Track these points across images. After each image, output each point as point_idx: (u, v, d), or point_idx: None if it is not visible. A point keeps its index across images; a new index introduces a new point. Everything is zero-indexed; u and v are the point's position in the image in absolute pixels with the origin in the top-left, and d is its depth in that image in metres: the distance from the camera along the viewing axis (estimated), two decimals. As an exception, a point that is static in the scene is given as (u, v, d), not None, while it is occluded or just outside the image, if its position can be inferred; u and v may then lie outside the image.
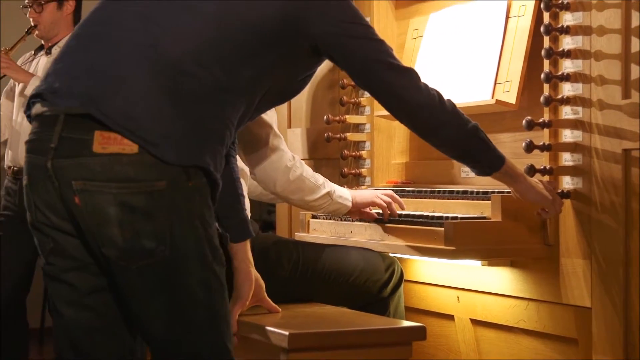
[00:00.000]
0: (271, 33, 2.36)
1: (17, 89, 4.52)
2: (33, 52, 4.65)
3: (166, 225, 2.21)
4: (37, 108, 2.28)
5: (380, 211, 3.11)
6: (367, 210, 3.13)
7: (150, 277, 2.24)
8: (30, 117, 2.32)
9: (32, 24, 4.50)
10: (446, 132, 2.60)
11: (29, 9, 4.49)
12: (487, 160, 2.65)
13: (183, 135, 2.22)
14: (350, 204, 3.10)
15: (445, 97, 2.61)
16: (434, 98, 2.57)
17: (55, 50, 4.52)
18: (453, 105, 2.61)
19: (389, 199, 3.10)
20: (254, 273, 2.81)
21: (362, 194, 3.14)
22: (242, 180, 2.82)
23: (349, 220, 3.22)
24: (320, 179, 3.08)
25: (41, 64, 4.55)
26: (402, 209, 3.12)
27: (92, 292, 2.34)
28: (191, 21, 2.30)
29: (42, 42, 4.62)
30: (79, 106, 2.19)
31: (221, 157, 2.33)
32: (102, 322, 2.35)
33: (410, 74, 2.57)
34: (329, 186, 3.09)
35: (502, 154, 2.67)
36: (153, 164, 2.19)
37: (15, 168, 4.47)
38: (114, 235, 2.20)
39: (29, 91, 4.37)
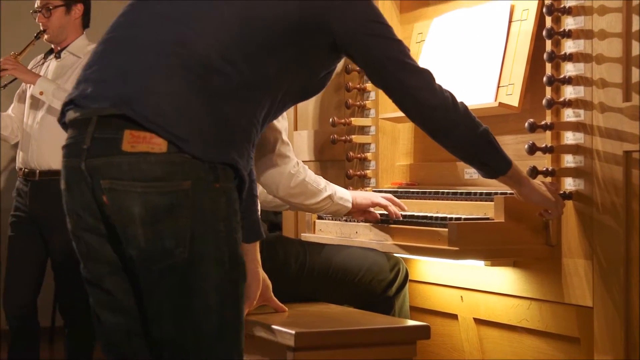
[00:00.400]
0: (292, 30, 2.37)
1: (29, 92, 4.53)
2: (43, 56, 4.66)
3: (187, 226, 2.20)
4: (70, 114, 2.29)
5: (384, 212, 3.11)
6: (371, 210, 3.14)
7: (169, 279, 2.22)
8: (65, 125, 2.33)
9: (42, 28, 4.51)
10: (457, 134, 2.60)
11: (38, 14, 4.50)
12: (495, 164, 2.66)
13: (212, 131, 2.23)
14: (350, 205, 3.11)
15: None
16: (447, 100, 2.57)
17: (65, 55, 4.52)
18: (465, 107, 2.61)
19: (387, 202, 3.11)
20: (262, 273, 2.82)
21: (363, 195, 3.15)
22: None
23: (354, 221, 3.22)
24: (322, 182, 3.09)
25: (51, 68, 4.56)
26: (403, 210, 3.13)
27: (127, 296, 2.33)
28: (215, 19, 2.31)
29: (52, 46, 4.63)
30: (110, 107, 2.20)
31: (248, 155, 2.33)
32: (138, 325, 2.34)
33: (425, 75, 2.57)
34: (330, 189, 3.10)
35: (510, 158, 2.67)
36: (180, 163, 2.18)
37: (25, 170, 4.48)
38: (137, 235, 2.20)
39: (35, 91, 4.37)
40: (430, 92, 2.55)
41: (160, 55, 2.25)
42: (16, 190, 4.53)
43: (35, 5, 4.51)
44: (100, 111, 2.21)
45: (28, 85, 4.53)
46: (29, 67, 4.58)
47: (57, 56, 4.54)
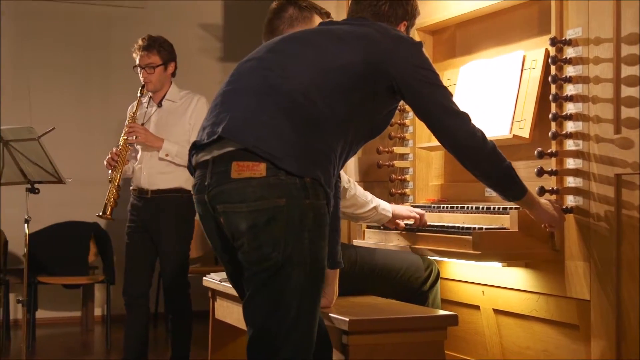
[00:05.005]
0: (359, 76, 2.39)
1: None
2: (139, 94, 4.65)
3: (281, 235, 2.24)
4: (194, 159, 2.39)
5: (411, 222, 3.15)
6: (399, 222, 3.16)
7: (263, 277, 2.27)
8: (192, 168, 2.42)
9: (143, 82, 4.57)
10: (484, 167, 2.57)
11: (142, 70, 4.55)
12: (513, 192, 2.64)
13: (300, 152, 2.27)
14: (390, 215, 3.14)
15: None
16: (479, 140, 2.53)
17: (165, 103, 4.60)
18: (494, 146, 2.57)
19: (418, 215, 3.14)
20: (336, 289, 2.85)
21: (400, 208, 3.18)
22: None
23: (395, 230, 3.24)
24: (369, 196, 3.11)
25: (155, 116, 4.61)
26: (426, 223, 3.15)
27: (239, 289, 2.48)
28: (298, 66, 2.37)
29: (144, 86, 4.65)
30: (221, 136, 2.28)
31: (329, 174, 2.33)
32: None
33: (464, 119, 2.53)
34: (376, 202, 3.13)
35: (526, 187, 2.65)
36: (276, 184, 2.23)
37: (139, 189, 4.58)
38: (244, 244, 2.27)
39: (162, 154, 4.48)
40: (465, 132, 2.51)
41: (256, 96, 2.33)
42: (130, 205, 4.62)
43: (137, 62, 4.57)
44: (214, 153, 2.30)
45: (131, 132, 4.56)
46: (130, 112, 4.65)
47: (159, 105, 4.62)
